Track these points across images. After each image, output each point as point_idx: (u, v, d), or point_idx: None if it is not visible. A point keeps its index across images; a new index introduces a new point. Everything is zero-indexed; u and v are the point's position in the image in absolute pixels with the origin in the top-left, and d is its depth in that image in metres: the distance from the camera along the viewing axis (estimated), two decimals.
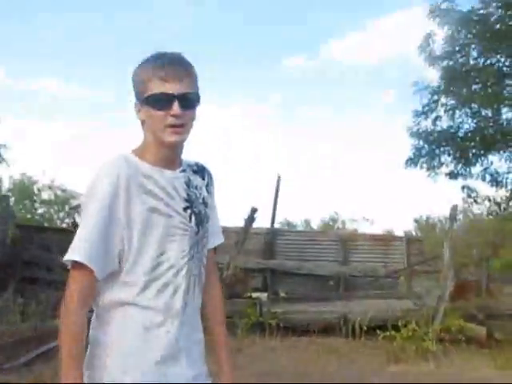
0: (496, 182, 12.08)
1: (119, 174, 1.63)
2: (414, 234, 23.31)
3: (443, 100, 11.24)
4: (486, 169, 11.83)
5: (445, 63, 11.09)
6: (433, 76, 11.68)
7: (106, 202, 1.62)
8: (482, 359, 7.85)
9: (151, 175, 1.71)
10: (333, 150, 44.11)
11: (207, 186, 1.91)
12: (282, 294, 11.67)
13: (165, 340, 1.69)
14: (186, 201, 1.78)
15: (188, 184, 1.81)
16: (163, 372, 1.67)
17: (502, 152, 11.71)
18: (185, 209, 1.76)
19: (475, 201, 13.59)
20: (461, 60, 10.91)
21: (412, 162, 11.52)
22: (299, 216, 35.68)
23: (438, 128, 11.46)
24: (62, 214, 26.72)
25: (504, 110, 11.18)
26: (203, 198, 1.86)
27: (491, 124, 10.97)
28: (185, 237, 1.74)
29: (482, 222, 19.05)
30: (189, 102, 1.71)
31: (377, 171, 45.00)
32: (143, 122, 1.76)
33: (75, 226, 12.46)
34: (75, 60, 38.46)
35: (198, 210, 1.81)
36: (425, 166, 11.51)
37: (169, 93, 1.67)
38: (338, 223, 34.34)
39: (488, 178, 11.94)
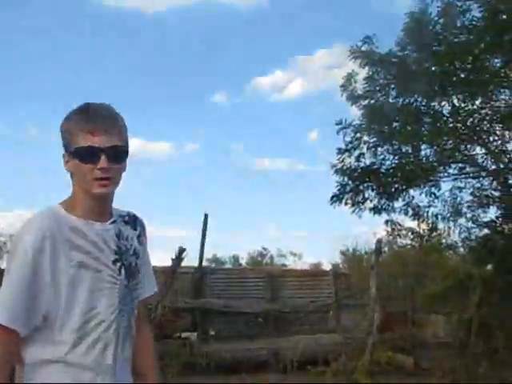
0: (418, 215, 12.48)
1: (44, 231, 1.61)
2: (341, 266, 23.69)
3: (366, 138, 11.56)
4: (407, 203, 12.18)
5: (366, 102, 11.44)
6: (355, 114, 11.98)
7: (28, 259, 1.59)
8: None
9: (80, 229, 1.69)
10: (257, 186, 44.41)
11: (139, 236, 1.88)
12: (212, 333, 11.59)
13: None
14: (116, 253, 1.75)
15: (118, 235, 1.78)
16: None
17: (422, 187, 12.13)
18: (114, 261, 1.74)
19: (399, 234, 14.00)
20: (381, 99, 11.29)
21: (337, 198, 11.71)
22: (227, 251, 35.66)
23: (362, 164, 11.77)
24: None
25: (423, 146, 11.62)
26: (134, 249, 1.83)
27: (411, 160, 11.36)
28: (114, 290, 1.72)
29: (406, 253, 19.57)
30: (117, 155, 1.70)
31: (303, 206, 45.54)
32: (72, 174, 1.74)
33: None
34: None
35: (128, 262, 1.78)
36: (349, 201, 11.75)
37: (95, 146, 1.65)
38: (267, 258, 34.54)
39: (410, 211, 12.30)
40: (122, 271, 1.75)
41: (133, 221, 1.88)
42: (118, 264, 1.74)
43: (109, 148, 1.66)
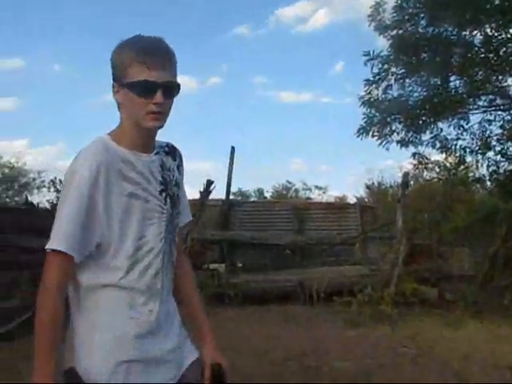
0: (445, 148, 12.35)
1: (99, 161, 1.64)
2: (366, 200, 23.73)
3: (393, 69, 11.36)
4: (435, 136, 12.06)
5: (394, 32, 11.18)
6: (383, 45, 11.72)
7: (85, 188, 1.62)
8: (434, 319, 8.16)
9: (129, 160, 1.72)
10: (282, 120, 44.12)
11: (178, 166, 1.93)
12: (240, 265, 11.79)
13: (147, 318, 1.73)
14: (162, 184, 1.80)
15: (162, 166, 1.83)
16: (139, 346, 1.72)
17: (450, 119, 11.97)
18: (160, 192, 1.79)
19: (426, 167, 13.91)
20: (410, 29, 11.02)
21: (364, 130, 11.64)
22: (252, 185, 35.83)
23: (389, 97, 11.62)
24: (11, 193, 26.08)
25: (452, 78, 11.41)
26: (176, 180, 1.88)
27: (440, 92, 11.15)
28: (161, 219, 1.78)
29: (432, 187, 19.49)
30: (171, 90, 1.72)
31: (329, 140, 45.26)
32: (120, 104, 1.75)
33: (28, 204, 12.23)
34: None
35: (172, 192, 1.84)
36: (377, 134, 11.66)
37: (152, 81, 1.66)
38: (291, 192, 34.65)
39: (438, 144, 12.19)
40: (168, 201, 1.81)
41: (172, 151, 1.92)
42: (164, 194, 1.80)
43: (164, 83, 1.68)
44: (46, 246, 1.61)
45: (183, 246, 2.11)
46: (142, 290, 1.72)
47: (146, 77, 1.65)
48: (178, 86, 1.76)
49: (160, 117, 1.71)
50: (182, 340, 1.89)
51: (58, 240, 1.60)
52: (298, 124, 44.29)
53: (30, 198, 16.31)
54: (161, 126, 1.75)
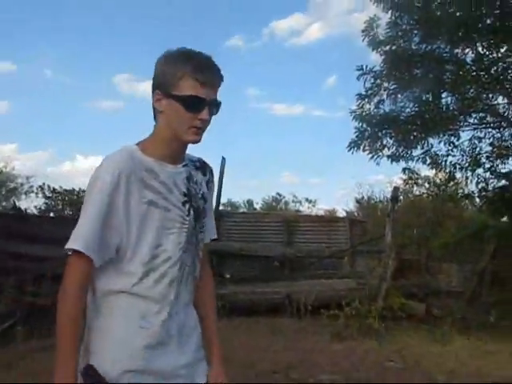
0: (436, 164, 12.42)
1: (121, 168, 1.69)
2: (356, 214, 23.79)
3: (386, 84, 11.43)
4: (426, 151, 12.13)
5: (387, 48, 11.25)
6: (376, 60, 11.80)
7: (106, 193, 1.67)
8: (421, 334, 8.17)
9: (153, 170, 1.75)
10: (276, 132, 44.24)
11: (208, 182, 1.97)
12: (228, 276, 11.75)
13: (158, 328, 1.74)
14: (185, 195, 1.83)
15: (189, 179, 1.86)
16: (148, 356, 1.72)
17: (441, 136, 12.04)
18: (184, 203, 1.82)
19: (416, 183, 13.99)
20: (403, 45, 11.09)
21: (355, 144, 11.67)
22: (242, 196, 35.82)
23: (381, 111, 11.68)
24: None
25: (444, 94, 11.48)
26: (202, 194, 1.91)
27: (431, 108, 11.22)
28: (182, 230, 1.80)
29: (422, 203, 19.60)
30: (215, 107, 1.78)
31: (319, 153, 45.39)
32: (161, 113, 1.78)
33: (16, 209, 12.16)
34: None
35: (196, 204, 1.87)
36: (368, 148, 11.71)
37: (203, 97, 1.72)
38: (281, 204, 34.70)
39: (428, 160, 12.25)
40: (191, 213, 1.84)
41: (203, 167, 1.97)
42: (187, 206, 1.83)
43: (212, 101, 1.74)
44: (66, 246, 1.66)
45: (208, 262, 2.11)
46: (156, 298, 1.74)
47: (198, 93, 1.71)
48: (219, 103, 1.80)
49: (201, 132, 1.77)
50: (199, 359, 1.90)
51: (79, 241, 1.64)
52: (289, 136, 44.53)
53: (17, 204, 16.22)
54: (199, 141, 1.80)
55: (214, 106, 1.77)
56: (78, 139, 39.92)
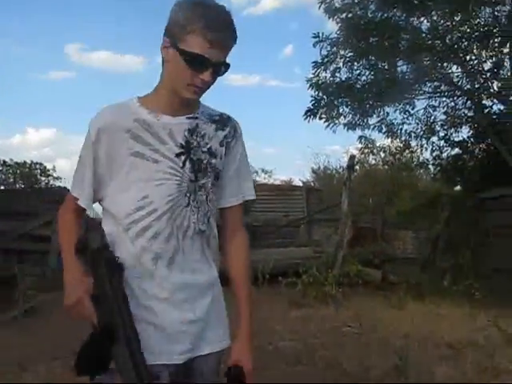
0: (391, 132, 12.53)
1: (102, 123, 1.71)
2: (312, 184, 23.90)
3: (342, 52, 11.40)
4: (381, 120, 12.22)
5: (344, 15, 11.18)
6: (333, 28, 11.73)
7: (88, 147, 1.73)
8: (377, 300, 8.29)
9: (145, 120, 1.72)
10: (229, 103, 43.89)
11: (225, 137, 1.83)
12: None
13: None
14: (182, 147, 1.74)
15: (192, 131, 1.76)
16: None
17: (396, 104, 12.13)
18: (178, 154, 1.73)
19: (372, 151, 14.09)
20: (359, 13, 11.03)
21: (311, 112, 11.66)
22: None
23: (337, 79, 11.66)
24: None
25: (399, 63, 11.50)
26: (209, 148, 1.79)
27: (387, 76, 11.24)
28: (172, 181, 1.72)
29: (377, 172, 19.81)
30: (220, 70, 1.68)
31: (276, 123, 45.33)
32: (166, 61, 1.70)
33: None
34: None
35: (197, 157, 1.76)
36: (324, 116, 11.70)
37: (208, 58, 1.61)
38: None
39: (384, 128, 12.36)
40: (187, 165, 1.74)
41: (223, 122, 1.85)
42: (183, 157, 1.74)
43: (217, 63, 1.64)
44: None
45: (240, 227, 1.97)
46: (135, 252, 1.71)
47: (204, 53, 1.60)
48: (228, 65, 1.70)
49: (200, 92, 1.70)
50: (213, 319, 1.83)
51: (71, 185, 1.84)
52: (245, 107, 44.16)
53: None
54: (197, 100, 1.75)
55: (220, 69, 1.67)
56: (28, 111, 38.77)
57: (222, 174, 1.83)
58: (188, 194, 1.74)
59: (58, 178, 21.76)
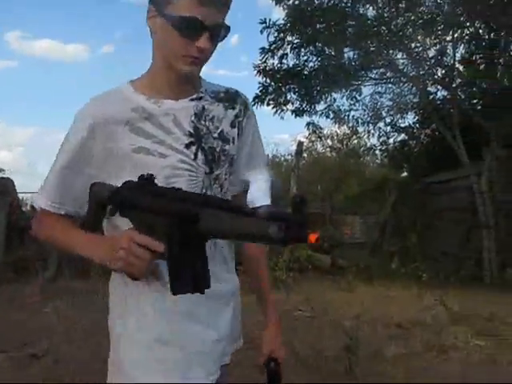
0: (339, 118, 12.64)
1: (95, 117, 1.42)
2: None
3: (289, 38, 11.40)
4: (329, 106, 12.31)
5: (291, 2, 11.18)
6: (280, 15, 11.71)
7: (76, 143, 1.43)
8: (327, 284, 8.37)
9: (144, 108, 1.45)
10: None
11: (236, 117, 1.57)
12: None
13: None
14: (191, 135, 1.47)
15: (199, 115, 1.50)
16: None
17: (343, 90, 12.22)
18: (187, 145, 1.46)
19: (319, 137, 14.19)
20: None
21: (259, 99, 11.65)
22: None
23: (285, 66, 11.66)
24: None
25: (346, 49, 11.57)
26: (220, 132, 1.53)
27: (334, 62, 11.30)
28: (184, 177, 1.45)
29: (326, 159, 19.99)
30: (219, 34, 1.40)
31: None
32: (154, 35, 1.44)
33: None
34: None
35: (208, 145, 1.49)
36: (271, 103, 11.70)
37: (201, 21, 1.34)
38: None
39: (331, 115, 12.46)
40: (199, 156, 1.47)
41: (231, 98, 1.58)
42: (193, 147, 1.47)
43: (213, 25, 1.36)
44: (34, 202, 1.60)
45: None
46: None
47: (195, 13, 1.33)
48: (228, 28, 1.42)
49: (199, 62, 1.41)
50: (234, 329, 1.61)
51: (41, 199, 1.51)
52: None
53: None
54: (198, 71, 1.45)
55: (218, 32, 1.39)
56: None
57: (235, 159, 1.57)
58: (204, 190, 1.48)
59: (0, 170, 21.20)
